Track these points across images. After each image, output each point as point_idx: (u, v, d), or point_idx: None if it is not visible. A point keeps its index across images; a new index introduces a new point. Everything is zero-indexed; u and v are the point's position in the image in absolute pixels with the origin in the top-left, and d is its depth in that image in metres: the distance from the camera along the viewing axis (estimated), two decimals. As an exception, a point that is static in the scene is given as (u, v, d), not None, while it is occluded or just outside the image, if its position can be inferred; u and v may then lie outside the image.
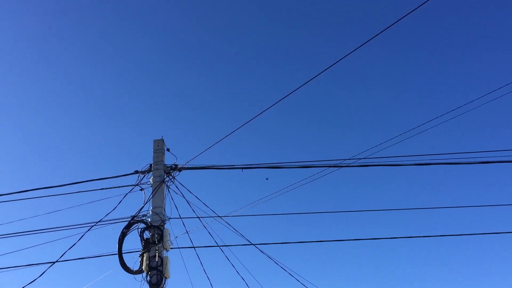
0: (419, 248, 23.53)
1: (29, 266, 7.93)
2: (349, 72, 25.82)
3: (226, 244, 8.39)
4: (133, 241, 8.11)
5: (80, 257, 8.24)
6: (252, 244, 8.24)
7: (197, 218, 8.45)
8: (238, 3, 27.28)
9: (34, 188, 8.20)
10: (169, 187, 8.52)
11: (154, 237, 7.80)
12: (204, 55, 27.71)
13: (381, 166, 8.41)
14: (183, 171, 8.70)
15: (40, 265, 7.73)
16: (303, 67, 26.28)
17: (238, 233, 8.29)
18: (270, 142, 26.91)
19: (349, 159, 8.59)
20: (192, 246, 8.19)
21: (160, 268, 7.55)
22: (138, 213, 8.11)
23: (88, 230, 7.92)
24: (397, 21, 6.64)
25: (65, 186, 8.37)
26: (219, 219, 8.54)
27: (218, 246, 8.30)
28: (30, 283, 7.42)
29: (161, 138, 8.74)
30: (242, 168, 8.36)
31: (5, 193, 8.39)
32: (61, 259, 7.65)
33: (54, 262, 7.57)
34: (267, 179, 8.78)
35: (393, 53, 26.52)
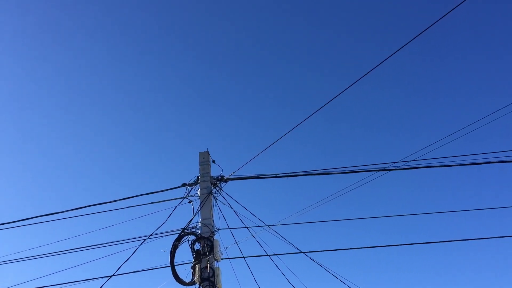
0: (483, 250, 22.60)
1: (87, 280, 8.19)
2: (394, 74, 25.41)
3: (276, 253, 8.38)
4: (184, 253, 8.25)
5: (135, 270, 8.43)
6: (301, 252, 8.20)
7: (246, 228, 8.50)
8: (283, 9, 27.37)
9: (87, 205, 8.49)
10: (216, 198, 8.62)
11: (205, 248, 7.90)
12: (246, 64, 28.00)
13: (431, 168, 8.20)
14: (229, 182, 8.79)
15: (98, 279, 7.99)
16: (347, 70, 26.05)
17: (287, 242, 8.27)
18: (315, 148, 26.77)
19: (397, 162, 8.42)
20: (242, 256, 8.23)
21: (212, 279, 7.62)
22: (188, 225, 8.25)
23: (141, 244, 8.12)
24: (438, 20, 6.49)
25: (116, 202, 8.61)
26: (267, 228, 8.55)
27: (267, 255, 8.31)
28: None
29: (206, 150, 8.89)
30: (287, 176, 8.35)
31: (60, 211, 8.73)
32: (117, 272, 7.87)
33: (110, 276, 7.80)
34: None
35: (439, 53, 25.91)
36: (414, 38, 6.86)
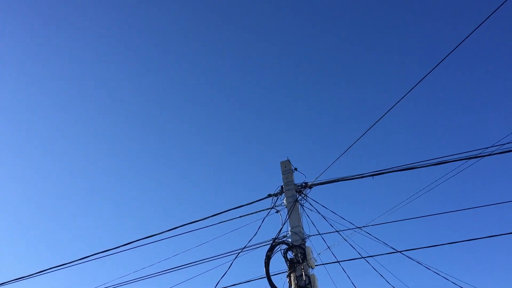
0: None
1: (189, 297, 8.49)
2: (477, 54, 24.05)
3: (371, 255, 8.19)
4: (277, 263, 8.30)
5: (232, 284, 8.61)
6: (398, 252, 7.94)
7: (336, 232, 8.41)
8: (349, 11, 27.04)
9: (182, 224, 8.83)
10: (303, 205, 8.62)
11: (298, 256, 7.90)
12: (315, 67, 27.86)
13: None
14: (314, 187, 8.76)
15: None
16: (422, 57, 25.06)
17: (381, 242, 8.07)
18: (398, 143, 25.90)
19: (490, 146, 7.93)
20: (337, 261, 8.13)
21: (308, 286, 7.60)
22: (278, 235, 8.30)
23: (236, 257, 8.28)
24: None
25: (208, 219, 8.87)
26: (358, 230, 8.39)
27: (362, 257, 8.14)
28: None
29: (287, 159, 8.94)
30: (372, 175, 8.16)
31: (151, 234, 9.13)
32: (217, 287, 8.08)
33: (210, 291, 8.03)
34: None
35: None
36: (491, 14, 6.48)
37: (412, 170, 8.28)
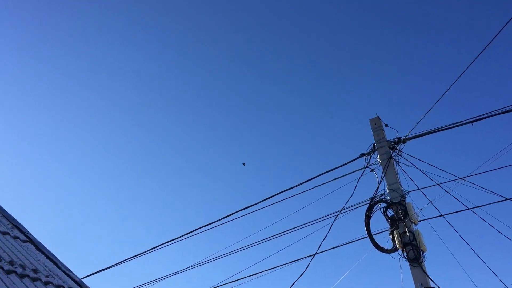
0: None
1: (293, 262, 8.68)
2: None
3: (477, 205, 7.82)
4: (376, 222, 8.20)
5: (333, 246, 8.67)
6: (508, 199, 7.50)
7: (437, 186, 8.10)
8: None
9: (277, 192, 8.98)
10: (398, 162, 8.38)
11: (399, 213, 7.75)
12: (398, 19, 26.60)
13: None
14: (407, 142, 8.46)
15: (303, 260, 8.41)
16: None
17: (487, 191, 7.66)
18: (498, 83, 24.03)
19: None
20: (441, 214, 7.87)
21: (414, 242, 7.44)
22: (376, 194, 8.17)
23: (335, 220, 8.30)
24: None
25: (302, 185, 8.93)
26: (461, 181, 8.03)
27: (469, 209, 7.80)
28: (300, 276, 8.12)
29: (376, 116, 8.70)
30: (471, 121, 7.69)
31: (249, 205, 9.37)
32: (319, 250, 8.18)
33: (314, 255, 8.15)
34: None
35: None
36: None
37: (514, 111, 7.70)
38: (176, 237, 9.70)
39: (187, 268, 9.76)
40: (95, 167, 28.85)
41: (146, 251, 10.10)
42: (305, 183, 8.77)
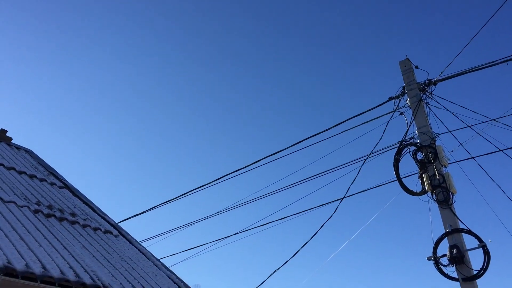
0: None
1: (323, 205, 8.79)
2: None
3: (509, 147, 7.66)
4: (405, 165, 8.16)
5: (362, 190, 8.71)
6: (542, 140, 7.30)
7: (468, 128, 7.94)
8: None
9: (306, 137, 8.97)
10: (428, 104, 8.21)
11: (428, 156, 7.67)
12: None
13: None
14: (438, 84, 8.25)
15: (332, 203, 8.51)
16: None
17: (521, 132, 7.46)
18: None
19: None
20: (471, 157, 7.75)
21: (443, 185, 7.40)
22: (405, 137, 8.07)
23: (363, 164, 8.29)
24: None
25: (329, 130, 8.89)
26: (493, 122, 7.83)
27: (500, 150, 7.64)
28: (327, 220, 8.24)
29: (406, 58, 8.46)
30: (506, 61, 7.40)
31: (287, 146, 9.42)
32: (347, 194, 8.24)
33: (342, 198, 8.23)
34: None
35: None
36: None
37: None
38: (207, 183, 9.90)
39: (218, 213, 10.02)
40: (128, 118, 29.35)
41: (177, 197, 10.38)
42: (334, 128, 8.73)
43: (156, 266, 5.82)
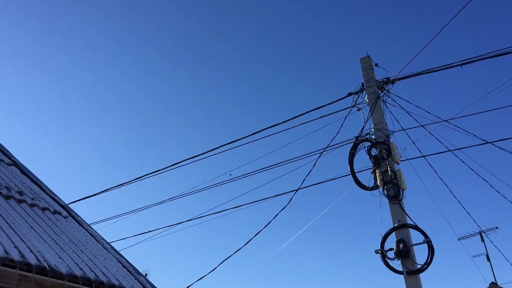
0: None
1: (276, 196, 8.88)
2: None
3: (459, 148, 7.97)
4: (360, 161, 8.34)
5: (317, 182, 8.85)
6: (488, 143, 7.65)
7: (421, 127, 8.20)
8: None
9: (262, 128, 9.01)
10: (385, 102, 8.40)
11: (382, 152, 7.87)
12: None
13: None
14: (396, 83, 8.45)
15: (286, 194, 8.60)
16: None
17: (470, 134, 7.79)
18: (487, 30, 23.82)
19: None
20: (422, 155, 8.02)
21: (395, 181, 7.62)
22: (361, 133, 8.25)
23: (319, 157, 8.42)
24: None
25: (288, 122, 8.95)
26: (445, 123, 8.12)
27: (449, 150, 7.95)
28: (281, 210, 8.34)
29: (366, 55, 8.61)
30: (461, 64, 7.67)
31: (244, 136, 9.42)
32: (302, 186, 8.35)
33: (297, 190, 8.33)
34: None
35: None
36: None
37: (503, 56, 7.68)
38: (163, 167, 9.79)
39: (171, 199, 9.93)
40: (80, 88, 28.51)
41: (130, 181, 10.22)
42: (293, 119, 8.80)
43: (106, 249, 5.71)
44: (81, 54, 28.41)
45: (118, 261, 5.52)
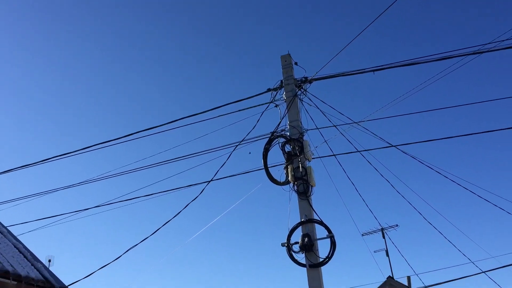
0: None
1: (189, 186, 8.85)
2: None
3: (366, 149, 8.42)
4: (275, 156, 8.54)
5: (231, 174, 8.94)
6: (393, 146, 8.16)
7: (334, 127, 8.55)
8: None
9: (181, 117, 8.92)
10: (302, 100, 8.66)
11: (295, 149, 8.10)
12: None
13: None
14: (314, 82, 8.73)
15: (198, 185, 8.60)
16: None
17: (377, 137, 8.25)
18: (399, 39, 25.29)
19: (489, 43, 7.80)
20: (333, 154, 8.37)
21: (305, 177, 7.88)
22: (277, 129, 8.44)
23: (234, 150, 8.50)
24: None
25: (206, 112, 8.94)
26: (355, 125, 8.53)
27: (358, 151, 8.38)
28: (193, 200, 8.33)
29: (287, 53, 8.80)
30: (373, 70, 8.10)
31: (159, 124, 9.27)
32: (215, 177, 8.39)
33: (209, 181, 8.35)
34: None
35: None
36: None
37: (412, 66, 8.21)
38: (72, 151, 9.36)
39: (81, 183, 9.54)
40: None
41: (36, 163, 9.68)
42: (212, 110, 8.80)
43: (1, 233, 5.39)
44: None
45: (15, 246, 5.23)
